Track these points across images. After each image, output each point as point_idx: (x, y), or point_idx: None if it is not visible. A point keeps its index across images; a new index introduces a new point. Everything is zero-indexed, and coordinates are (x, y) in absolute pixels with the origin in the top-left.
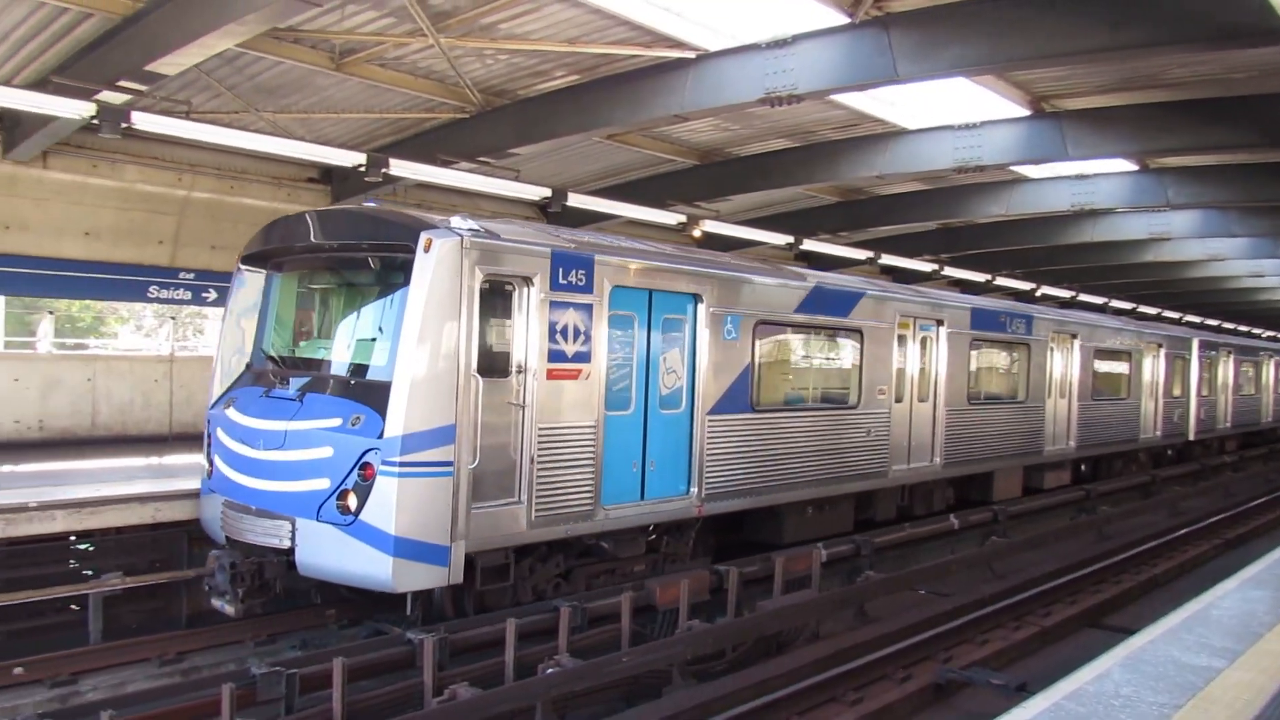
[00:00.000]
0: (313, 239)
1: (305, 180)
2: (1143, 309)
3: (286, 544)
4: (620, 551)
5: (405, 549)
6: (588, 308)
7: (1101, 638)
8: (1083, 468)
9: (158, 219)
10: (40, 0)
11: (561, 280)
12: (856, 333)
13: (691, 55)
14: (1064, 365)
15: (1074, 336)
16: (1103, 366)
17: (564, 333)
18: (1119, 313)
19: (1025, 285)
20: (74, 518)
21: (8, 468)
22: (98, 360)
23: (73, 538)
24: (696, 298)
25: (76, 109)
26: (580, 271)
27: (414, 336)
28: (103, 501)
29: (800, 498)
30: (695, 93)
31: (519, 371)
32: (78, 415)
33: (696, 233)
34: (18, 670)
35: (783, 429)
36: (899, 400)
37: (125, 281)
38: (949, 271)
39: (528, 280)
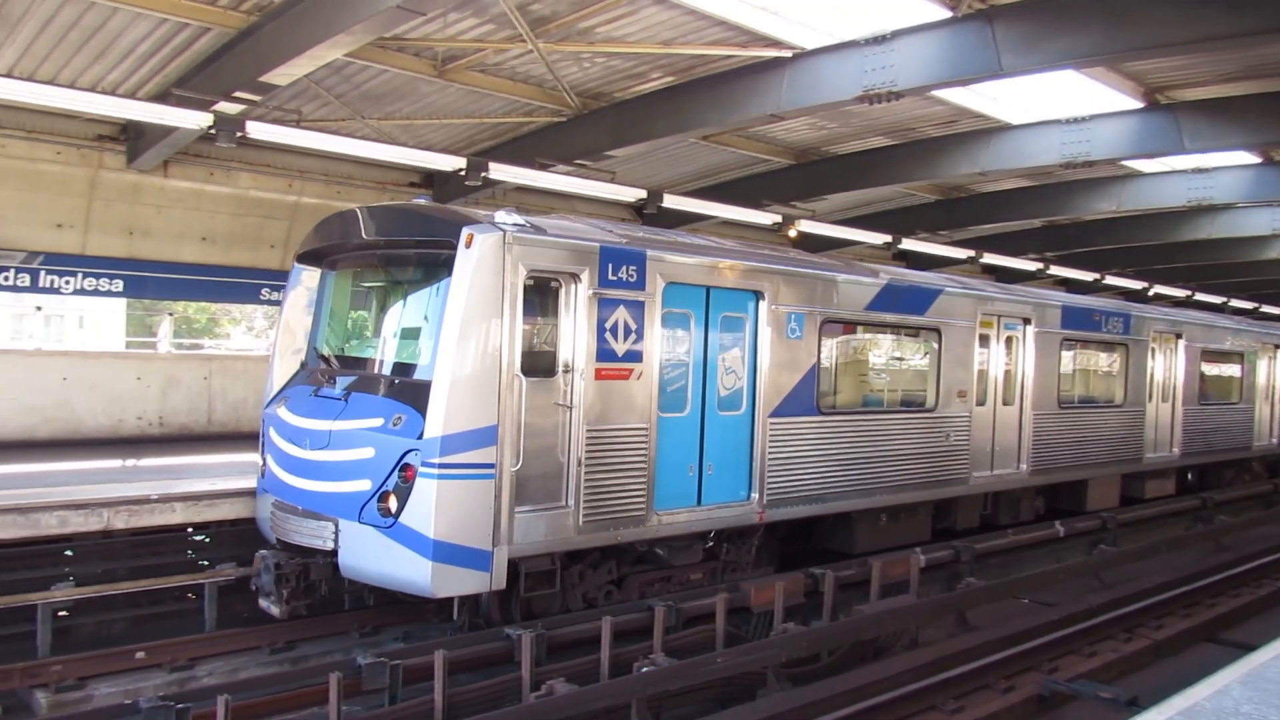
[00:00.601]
0: (364, 236)
1: (408, 185)
2: (1267, 309)
3: (330, 545)
4: (676, 559)
5: (445, 553)
6: (639, 305)
7: (1219, 653)
8: (1189, 476)
9: (269, 224)
10: (162, 17)
11: (611, 276)
12: (934, 331)
13: (788, 54)
14: (1167, 367)
15: (1178, 336)
16: (1212, 369)
17: (614, 331)
18: (1237, 312)
19: (1136, 284)
20: (192, 510)
21: (131, 462)
22: (213, 360)
23: (190, 529)
24: (758, 295)
25: (195, 120)
26: (631, 267)
27: (455, 335)
28: (218, 495)
29: (872, 505)
30: (792, 92)
31: (566, 371)
32: (195, 412)
33: (792, 233)
34: (139, 654)
35: (852, 432)
36: (981, 403)
37: (239, 284)
38: (1054, 270)
39: (575, 276)
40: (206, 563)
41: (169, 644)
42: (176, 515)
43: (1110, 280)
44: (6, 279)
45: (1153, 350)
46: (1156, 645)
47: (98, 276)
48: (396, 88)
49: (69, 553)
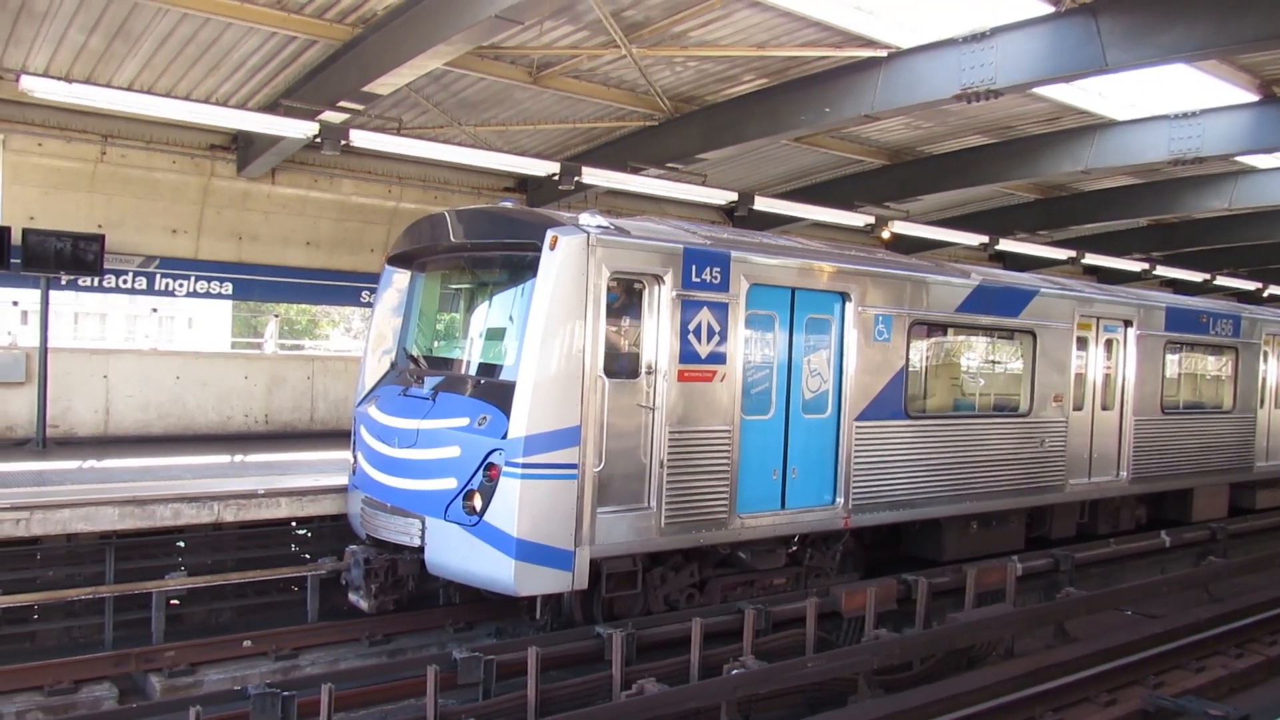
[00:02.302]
0: (451, 239)
1: (502, 189)
2: None
3: (417, 542)
4: (759, 563)
5: (528, 552)
6: (723, 307)
7: None
8: None
9: (370, 228)
10: (271, 30)
11: (695, 278)
12: (1028, 334)
13: (883, 54)
14: None
15: None
16: None
17: (697, 333)
18: None
19: (1249, 285)
20: (295, 505)
21: (239, 458)
22: (315, 360)
23: (293, 523)
24: (844, 296)
25: (302, 129)
26: (715, 269)
27: (538, 336)
28: (320, 491)
29: (962, 511)
30: (886, 91)
31: (648, 373)
32: (298, 410)
33: (885, 234)
34: (247, 643)
35: (941, 437)
36: (1078, 408)
37: (340, 287)
38: (1161, 271)
39: (658, 278)
40: (309, 556)
41: (274, 634)
42: (281, 510)
43: (1221, 281)
44: (125, 282)
45: (1265, 354)
46: (1270, 662)
47: (209, 280)
48: (492, 95)
49: (181, 544)
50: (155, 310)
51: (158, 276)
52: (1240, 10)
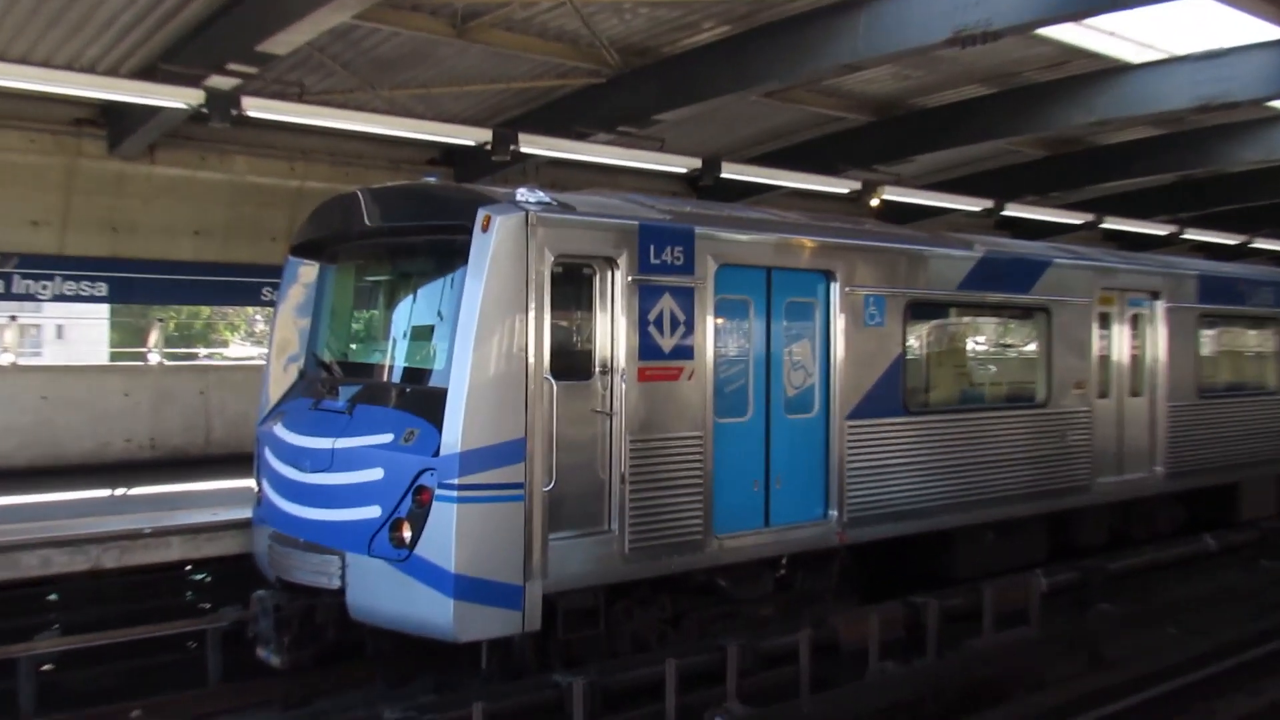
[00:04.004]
0: (366, 222)
1: (426, 163)
2: None
3: (336, 583)
4: (741, 591)
5: (468, 589)
6: (688, 292)
7: None
8: None
9: (270, 213)
10: None
11: (654, 260)
12: (1042, 312)
13: None
14: None
15: None
16: None
17: (659, 324)
18: None
19: None
20: (190, 544)
21: (121, 491)
22: (210, 371)
23: (188, 567)
24: (828, 275)
25: (185, 98)
26: (677, 249)
27: (472, 334)
28: (220, 527)
29: (975, 520)
30: (870, 36)
31: (604, 372)
32: (191, 432)
33: (874, 202)
34: (135, 713)
35: (947, 435)
36: (1103, 395)
37: (237, 283)
38: (1191, 235)
39: (611, 261)
40: (208, 606)
41: (170, 701)
42: (173, 551)
43: (1260, 244)
44: None
45: None
46: None
47: (79, 280)
48: (411, 52)
49: (53, 597)
50: (14, 318)
51: (16, 278)
52: None
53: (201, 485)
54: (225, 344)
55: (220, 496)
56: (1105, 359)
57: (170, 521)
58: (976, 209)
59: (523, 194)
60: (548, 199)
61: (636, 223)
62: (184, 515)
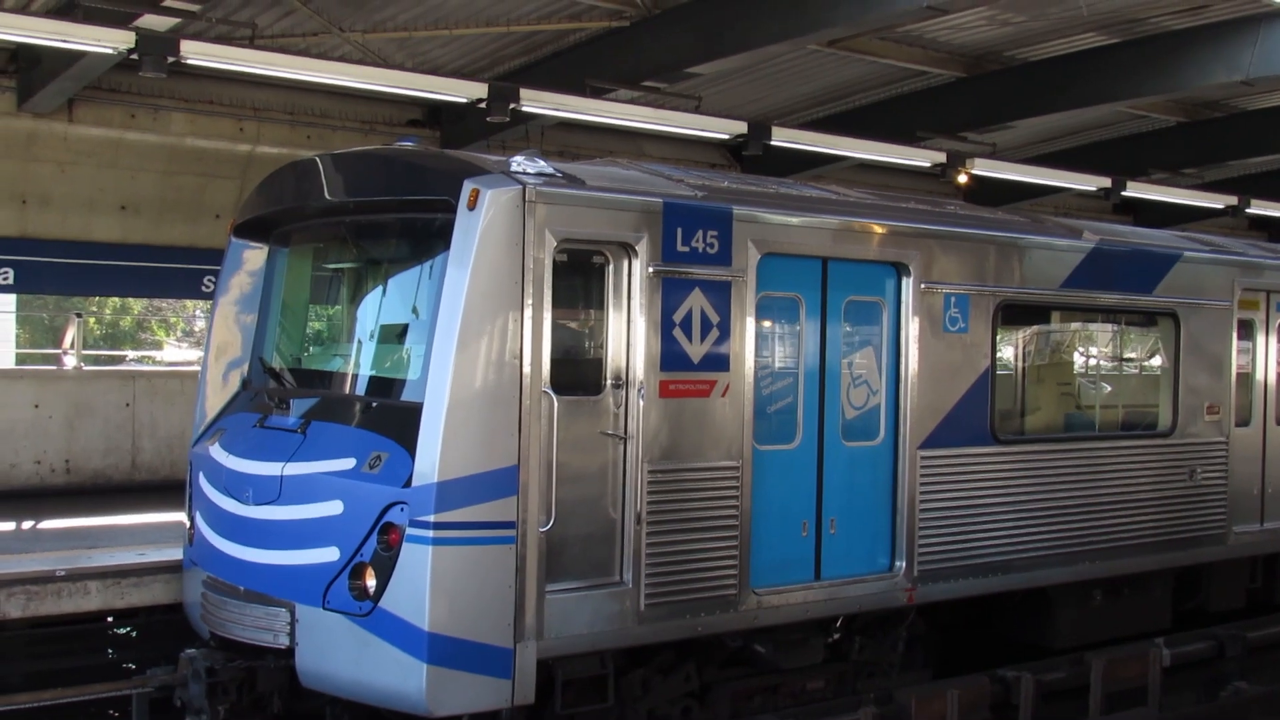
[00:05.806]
0: (327, 196)
1: (406, 124)
2: None
3: (284, 642)
4: (784, 659)
5: (445, 652)
6: (724, 287)
7: None
8: None
9: (214, 184)
10: None
11: (682, 247)
12: (1168, 318)
13: None
14: None
15: None
16: None
17: (686, 326)
18: None
19: None
20: (112, 591)
21: (29, 524)
22: (138, 378)
23: (110, 618)
24: (900, 269)
25: (111, 39)
26: (710, 233)
27: (453, 336)
28: (147, 570)
29: (1079, 575)
30: None
31: (617, 386)
32: (114, 453)
33: (962, 178)
34: None
35: (1046, 469)
36: (1242, 423)
37: (173, 270)
38: None
39: (628, 248)
40: (132, 666)
41: None
42: (91, 599)
43: None
44: None
45: None
46: None
47: None
48: None
49: None
50: None
51: None
52: None
53: (126, 518)
54: (159, 345)
55: (149, 532)
56: (1246, 377)
57: (88, 563)
58: (1090, 189)
59: (519, 163)
60: (550, 170)
61: (660, 200)
62: (104, 555)
